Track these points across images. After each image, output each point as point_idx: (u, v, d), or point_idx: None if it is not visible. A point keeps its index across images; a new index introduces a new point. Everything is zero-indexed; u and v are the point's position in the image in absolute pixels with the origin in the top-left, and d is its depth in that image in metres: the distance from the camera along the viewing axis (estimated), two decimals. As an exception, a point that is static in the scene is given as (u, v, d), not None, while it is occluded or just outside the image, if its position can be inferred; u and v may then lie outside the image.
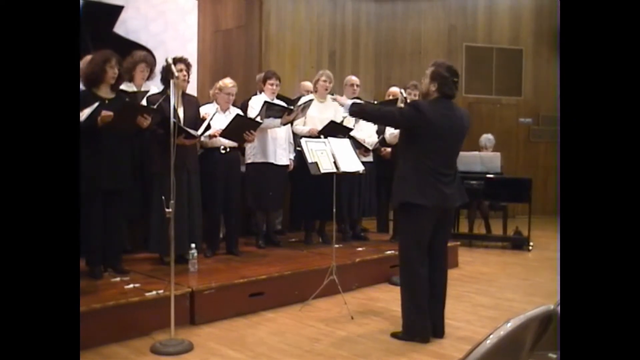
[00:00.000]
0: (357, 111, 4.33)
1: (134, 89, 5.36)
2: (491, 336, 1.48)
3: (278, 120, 5.78)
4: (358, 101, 4.38)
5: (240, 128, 5.26)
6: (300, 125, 6.19)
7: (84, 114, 4.38)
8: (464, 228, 8.30)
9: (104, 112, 4.36)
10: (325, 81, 6.30)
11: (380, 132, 6.52)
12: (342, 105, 4.47)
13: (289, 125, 6.10)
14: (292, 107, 5.83)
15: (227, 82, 5.67)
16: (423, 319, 4.08)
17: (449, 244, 6.54)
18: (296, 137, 6.18)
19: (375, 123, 4.90)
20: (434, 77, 4.09)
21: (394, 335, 4.19)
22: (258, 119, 5.50)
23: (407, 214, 4.07)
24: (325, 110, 6.21)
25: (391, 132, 6.17)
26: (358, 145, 5.94)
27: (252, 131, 5.35)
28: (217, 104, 5.64)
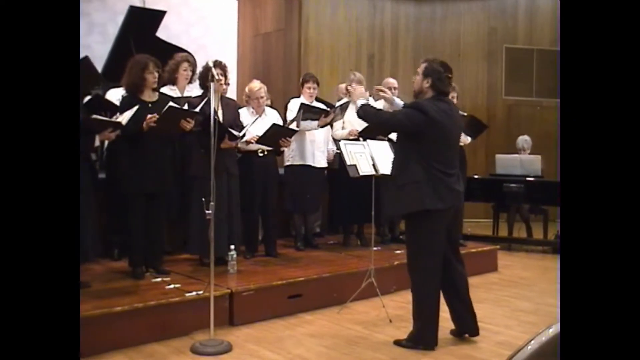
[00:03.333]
0: (362, 115, 4.15)
1: (177, 92, 5.44)
2: (532, 342, 1.47)
3: (315, 123, 5.80)
4: (368, 104, 4.20)
5: (276, 136, 5.30)
6: (339, 130, 6.19)
7: (125, 117, 4.47)
8: (503, 232, 8.20)
9: (149, 115, 4.44)
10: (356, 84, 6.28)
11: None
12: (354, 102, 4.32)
13: (328, 127, 6.11)
14: (328, 109, 5.85)
15: (253, 86, 5.67)
16: (431, 329, 3.99)
17: (488, 248, 6.58)
18: (336, 141, 6.19)
19: (379, 128, 4.80)
20: (427, 72, 3.94)
21: (397, 343, 4.11)
22: (294, 125, 5.52)
23: (422, 221, 3.89)
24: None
25: None
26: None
27: (287, 138, 5.39)
28: (252, 108, 5.67)
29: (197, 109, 4.71)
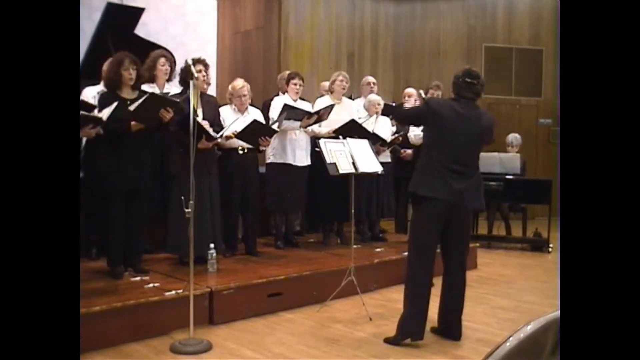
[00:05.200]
0: (395, 114, 4.71)
1: (157, 89, 5.40)
2: (511, 338, 1.47)
3: (298, 123, 5.79)
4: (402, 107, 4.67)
5: (256, 133, 5.29)
6: (316, 127, 6.15)
7: (104, 114, 4.43)
8: (483, 229, 8.26)
9: (134, 124, 4.48)
10: (342, 81, 6.30)
11: (398, 132, 6.52)
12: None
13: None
14: (311, 111, 5.85)
15: (236, 84, 5.64)
16: (416, 319, 4.02)
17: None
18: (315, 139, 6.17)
19: (399, 121, 5.54)
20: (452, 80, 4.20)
21: (387, 340, 4.13)
22: (276, 125, 5.48)
23: (416, 208, 4.15)
24: (341, 110, 6.18)
25: (416, 134, 6.15)
26: (375, 140, 5.91)
27: (267, 137, 5.37)
28: (235, 106, 5.65)
29: (179, 99, 4.68)
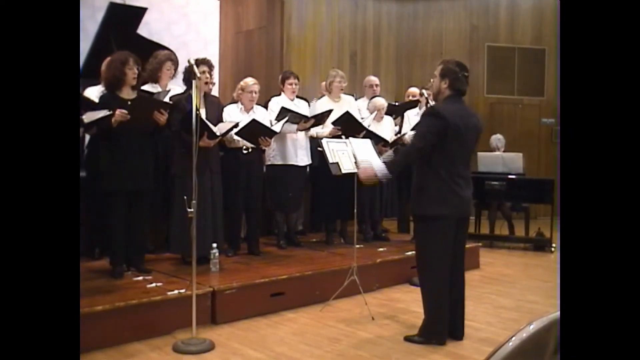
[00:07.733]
0: (391, 169, 4.09)
1: (159, 89, 5.40)
2: (513, 338, 1.47)
3: (294, 126, 5.78)
4: (387, 161, 4.22)
5: (256, 133, 5.29)
6: (319, 129, 6.14)
7: (94, 116, 4.44)
8: (485, 229, 8.25)
9: (119, 111, 4.41)
10: (340, 82, 6.30)
11: (397, 133, 6.52)
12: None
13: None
14: (308, 116, 5.85)
15: (249, 81, 5.66)
16: (442, 323, 4.04)
17: (470, 245, 6.60)
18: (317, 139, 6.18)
19: (410, 164, 4.45)
20: (444, 73, 3.98)
21: (408, 338, 4.14)
22: (278, 127, 5.46)
23: (428, 226, 3.96)
24: (338, 109, 6.17)
25: (410, 134, 6.14)
26: (377, 141, 5.91)
27: (267, 138, 5.37)
28: (242, 104, 5.65)
29: (174, 104, 4.68)
